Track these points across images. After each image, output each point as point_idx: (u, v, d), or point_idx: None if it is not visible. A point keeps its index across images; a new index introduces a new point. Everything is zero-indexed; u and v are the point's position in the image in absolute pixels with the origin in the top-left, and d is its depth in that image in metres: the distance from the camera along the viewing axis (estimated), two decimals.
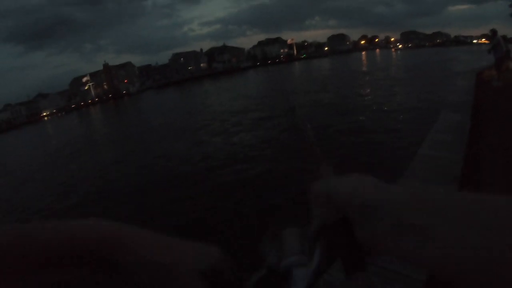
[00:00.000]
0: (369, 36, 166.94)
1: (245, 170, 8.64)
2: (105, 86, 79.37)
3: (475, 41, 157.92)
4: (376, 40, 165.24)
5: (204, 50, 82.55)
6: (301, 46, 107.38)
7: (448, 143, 3.80)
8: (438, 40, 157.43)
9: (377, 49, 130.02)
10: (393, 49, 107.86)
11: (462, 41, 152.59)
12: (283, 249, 0.31)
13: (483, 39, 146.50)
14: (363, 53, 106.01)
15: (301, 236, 0.31)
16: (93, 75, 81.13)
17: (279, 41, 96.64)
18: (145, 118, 33.53)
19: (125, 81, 78.25)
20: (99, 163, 14.34)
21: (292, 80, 40.11)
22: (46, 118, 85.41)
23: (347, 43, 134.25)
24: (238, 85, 46.66)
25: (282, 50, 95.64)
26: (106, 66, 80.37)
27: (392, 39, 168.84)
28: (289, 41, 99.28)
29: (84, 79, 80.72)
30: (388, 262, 1.56)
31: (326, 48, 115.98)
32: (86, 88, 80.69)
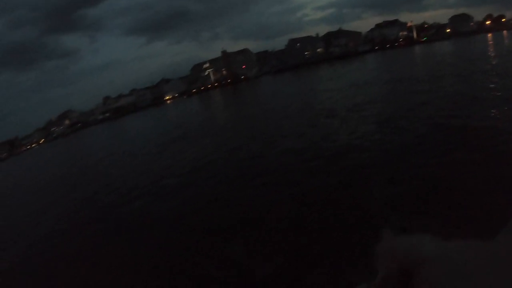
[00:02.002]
0: (495, 15, 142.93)
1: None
2: (224, 72, 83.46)
3: None
4: (503, 19, 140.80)
5: (320, 35, 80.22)
6: (421, 28, 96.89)
7: None
8: None
9: (505, 31, 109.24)
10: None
11: None
12: None
13: None
14: (489, 35, 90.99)
15: None
16: (212, 62, 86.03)
17: (398, 24, 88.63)
18: (263, 100, 34.18)
19: (243, 66, 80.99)
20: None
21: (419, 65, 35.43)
22: (168, 101, 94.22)
23: (471, 24, 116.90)
24: (355, 70, 43.95)
25: (401, 33, 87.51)
26: (224, 52, 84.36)
27: None
28: (408, 24, 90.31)
29: (205, 66, 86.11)
30: None
31: (447, 30, 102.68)
32: (206, 73, 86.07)
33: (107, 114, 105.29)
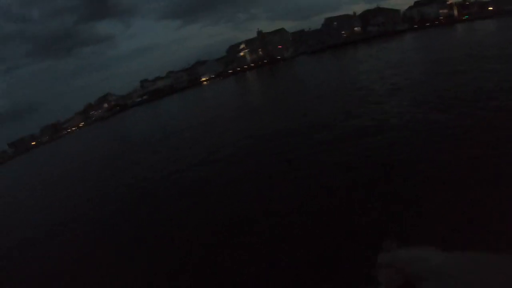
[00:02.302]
0: None
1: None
2: (260, 52, 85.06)
3: None
4: None
5: (357, 13, 79.71)
6: (462, 5, 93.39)
7: None
8: None
9: None
10: None
11: None
12: None
13: None
14: None
15: None
16: (248, 42, 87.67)
17: (438, 1, 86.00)
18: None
19: (279, 46, 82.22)
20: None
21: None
22: (205, 82, 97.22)
23: None
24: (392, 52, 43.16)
25: (441, 11, 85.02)
26: (260, 33, 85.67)
27: None
28: (449, 1, 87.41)
29: (241, 46, 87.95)
30: None
31: (490, 8, 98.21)
32: (241, 54, 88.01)
33: (145, 97, 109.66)
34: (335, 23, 78.74)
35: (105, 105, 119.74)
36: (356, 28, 78.35)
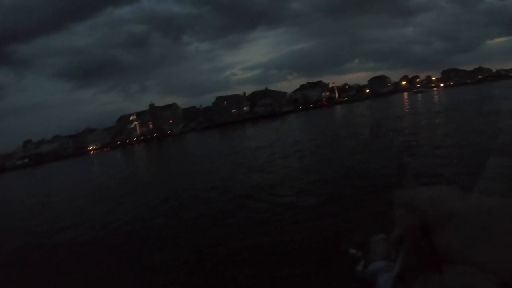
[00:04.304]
0: (410, 76, 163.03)
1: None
2: (150, 126, 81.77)
3: None
4: (418, 79, 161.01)
5: (246, 94, 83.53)
6: (342, 89, 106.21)
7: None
8: (479, 76, 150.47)
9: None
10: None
11: (504, 76, 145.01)
12: (369, 255, 0.32)
13: None
14: (405, 94, 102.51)
15: (387, 243, 0.32)
16: (139, 114, 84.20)
17: (320, 85, 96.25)
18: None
19: (170, 121, 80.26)
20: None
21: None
22: (92, 152, 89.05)
23: (388, 84, 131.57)
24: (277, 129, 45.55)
25: (323, 94, 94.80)
26: (152, 106, 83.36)
27: (434, 78, 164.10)
28: (330, 85, 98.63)
29: (131, 118, 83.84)
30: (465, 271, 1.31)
31: (367, 91, 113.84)
32: (132, 126, 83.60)
33: (26, 160, 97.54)
34: (226, 101, 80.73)
35: None
36: (245, 108, 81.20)
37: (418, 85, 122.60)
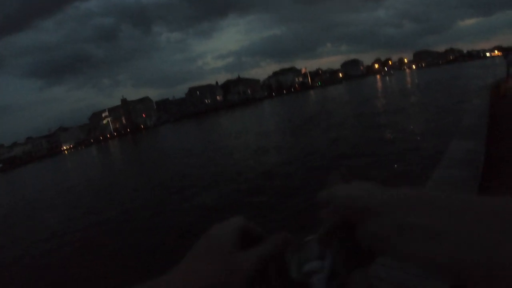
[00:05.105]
0: (382, 59, 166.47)
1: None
2: (124, 120, 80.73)
3: (488, 54, 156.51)
4: (390, 62, 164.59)
5: (219, 83, 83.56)
6: (315, 74, 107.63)
7: (461, 181, 2.70)
8: (451, 57, 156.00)
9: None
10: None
11: (475, 55, 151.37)
12: (303, 256, 0.32)
13: (496, 51, 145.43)
14: (378, 76, 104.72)
15: (318, 242, 0.32)
16: (111, 110, 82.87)
17: (293, 71, 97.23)
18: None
19: (143, 115, 79.45)
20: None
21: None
22: (66, 151, 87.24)
23: (361, 68, 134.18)
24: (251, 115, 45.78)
25: (296, 79, 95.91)
26: (124, 101, 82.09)
27: (406, 60, 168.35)
28: (303, 70, 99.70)
29: (103, 114, 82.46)
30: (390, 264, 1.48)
31: (340, 75, 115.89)
32: (105, 122, 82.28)
33: (0, 165, 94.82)
34: (198, 92, 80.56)
35: None
36: (218, 97, 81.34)
37: (386, 68, 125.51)
